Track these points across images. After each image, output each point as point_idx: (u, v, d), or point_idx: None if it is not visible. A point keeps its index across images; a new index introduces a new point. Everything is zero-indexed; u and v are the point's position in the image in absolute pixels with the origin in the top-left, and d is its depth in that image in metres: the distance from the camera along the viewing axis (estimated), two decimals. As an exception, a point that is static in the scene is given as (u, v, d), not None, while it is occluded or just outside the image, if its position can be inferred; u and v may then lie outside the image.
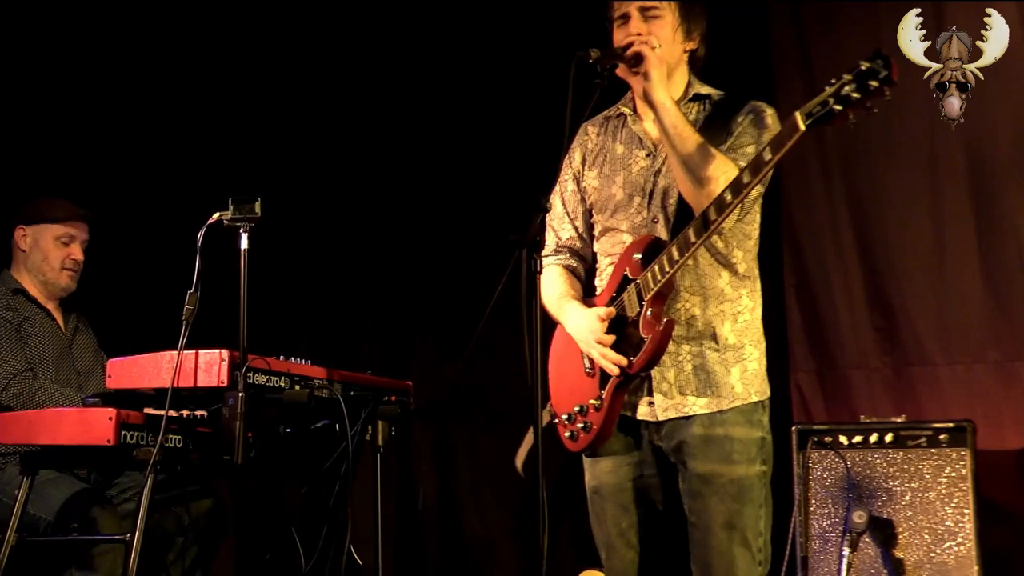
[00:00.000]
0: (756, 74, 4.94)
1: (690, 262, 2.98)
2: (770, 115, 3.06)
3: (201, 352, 3.53)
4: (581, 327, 3.09)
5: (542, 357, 2.65)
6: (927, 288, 4.86)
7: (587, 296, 3.23)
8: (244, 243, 3.54)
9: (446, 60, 5.51)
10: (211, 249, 3.61)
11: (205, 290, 3.59)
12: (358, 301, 5.63)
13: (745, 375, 3.05)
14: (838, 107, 2.62)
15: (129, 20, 5.44)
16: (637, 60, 2.97)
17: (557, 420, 3.18)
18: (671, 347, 3.00)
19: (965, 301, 4.80)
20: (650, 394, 3.05)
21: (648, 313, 2.97)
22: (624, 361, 2.98)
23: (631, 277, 3.03)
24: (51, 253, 4.42)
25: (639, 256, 3.02)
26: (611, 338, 3.01)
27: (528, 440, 3.25)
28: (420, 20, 5.52)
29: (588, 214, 3.25)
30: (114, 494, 4.18)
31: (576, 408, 3.12)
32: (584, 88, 2.84)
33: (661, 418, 3.03)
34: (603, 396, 3.04)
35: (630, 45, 2.97)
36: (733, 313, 3.06)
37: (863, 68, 2.58)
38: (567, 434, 3.15)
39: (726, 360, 3.04)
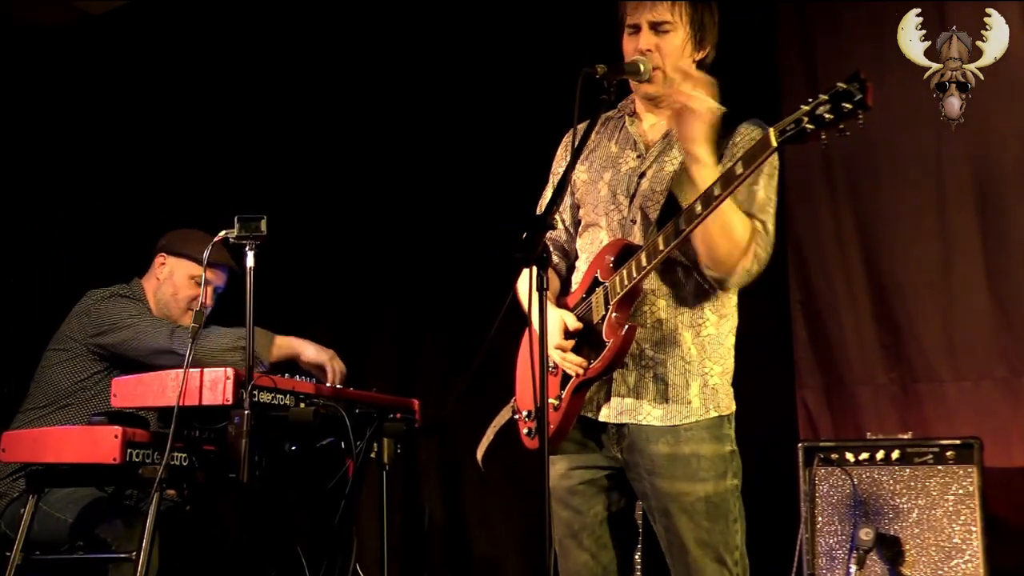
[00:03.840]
0: (760, 77, 4.94)
1: (661, 267, 2.96)
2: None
3: (206, 370, 3.53)
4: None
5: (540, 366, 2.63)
6: (934, 304, 4.85)
7: (563, 294, 3.21)
8: (250, 261, 3.51)
9: (452, 74, 5.53)
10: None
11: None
12: (363, 319, 5.63)
13: (705, 389, 3.02)
14: (810, 127, 2.59)
15: (136, 29, 5.46)
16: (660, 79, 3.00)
17: (518, 416, 3.18)
18: (634, 350, 2.98)
19: (972, 317, 4.79)
20: (609, 396, 3.05)
21: (612, 317, 2.96)
22: (585, 363, 2.98)
23: (601, 280, 3.02)
24: (181, 290, 4.29)
25: (611, 259, 3.00)
26: (570, 343, 3.00)
27: (488, 434, 3.30)
28: (434, 33, 5.54)
29: (576, 208, 3.23)
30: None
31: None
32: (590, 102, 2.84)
33: (614, 421, 3.02)
34: (562, 396, 3.04)
35: (636, 62, 2.99)
36: (695, 324, 3.03)
37: (839, 89, 2.56)
38: (525, 431, 3.16)
39: (688, 372, 3.02)
